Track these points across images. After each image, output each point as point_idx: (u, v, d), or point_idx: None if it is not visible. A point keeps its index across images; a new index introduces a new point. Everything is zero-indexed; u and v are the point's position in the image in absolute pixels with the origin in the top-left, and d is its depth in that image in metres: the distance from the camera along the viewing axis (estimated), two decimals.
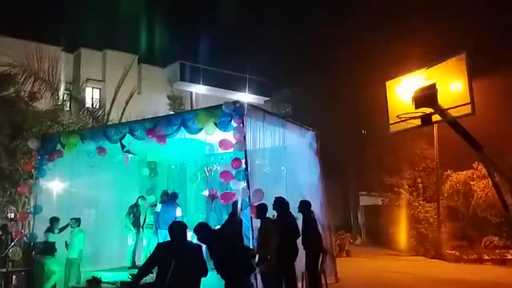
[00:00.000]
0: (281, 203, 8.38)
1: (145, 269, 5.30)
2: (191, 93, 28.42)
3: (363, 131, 26.11)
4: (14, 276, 10.16)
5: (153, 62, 27.84)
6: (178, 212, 11.47)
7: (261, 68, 28.62)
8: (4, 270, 8.79)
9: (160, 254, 5.16)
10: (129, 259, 11.45)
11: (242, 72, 28.80)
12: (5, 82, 17.09)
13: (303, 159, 11.67)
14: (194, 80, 27.72)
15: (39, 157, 11.81)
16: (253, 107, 10.65)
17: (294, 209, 8.58)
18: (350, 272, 12.47)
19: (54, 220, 10.74)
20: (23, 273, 9.74)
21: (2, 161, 16.58)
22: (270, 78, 29.81)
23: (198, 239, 5.64)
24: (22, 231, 11.80)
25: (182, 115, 10.93)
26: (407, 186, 21.87)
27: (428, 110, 6.46)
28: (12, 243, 10.39)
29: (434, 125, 15.35)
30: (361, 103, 21.93)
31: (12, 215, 14.71)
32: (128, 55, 24.90)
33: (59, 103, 19.30)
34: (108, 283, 6.19)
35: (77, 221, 11.02)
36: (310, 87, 26.20)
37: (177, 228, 5.25)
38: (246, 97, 26.11)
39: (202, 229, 5.71)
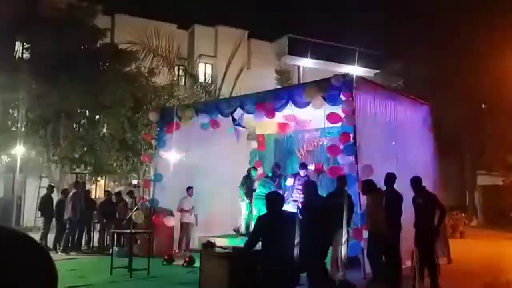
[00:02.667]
0: (388, 179, 8.13)
1: (252, 241, 5.57)
2: (298, 67, 28.38)
3: (483, 105, 24.19)
4: (137, 237, 11.14)
5: (262, 37, 28.14)
6: (289, 182, 11.72)
7: (371, 40, 27.57)
8: (129, 231, 9.69)
9: (261, 225, 5.42)
10: (243, 227, 11.94)
11: (351, 44, 28.03)
12: (128, 59, 18.47)
13: (416, 134, 11.16)
14: (302, 54, 27.58)
15: (159, 129, 12.68)
16: (363, 79, 10.38)
17: (406, 186, 8.27)
18: (464, 254, 11.81)
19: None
20: (145, 234, 10.64)
21: (126, 132, 18.12)
22: (381, 50, 28.63)
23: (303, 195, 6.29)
24: (144, 196, 12.84)
25: (290, 89, 11.00)
26: None
27: None
28: (135, 207, 11.37)
29: None
30: (481, 75, 20.25)
31: (135, 182, 16.04)
32: (239, 31, 25.43)
33: (175, 78, 20.48)
34: (221, 247, 6.58)
35: (191, 188, 11.82)
36: (424, 58, 24.75)
37: (272, 198, 5.48)
38: (355, 70, 25.42)
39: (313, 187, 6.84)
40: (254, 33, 27.35)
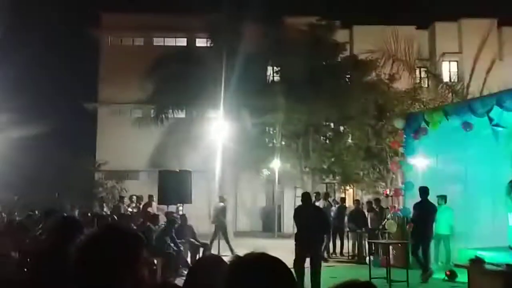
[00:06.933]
0: None
1: None
2: None
3: None
4: (390, 247, 10.97)
5: None
6: None
7: None
8: (384, 241, 9.67)
9: None
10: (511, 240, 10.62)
11: None
12: (368, 68, 18.66)
13: None
14: None
15: (405, 136, 12.35)
16: None
17: None
18: None
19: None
20: (399, 245, 10.44)
21: (370, 140, 18.28)
22: None
23: None
24: (396, 205, 12.65)
25: None
26: None
27: None
28: (387, 216, 11.28)
29: None
30: None
31: (387, 191, 15.94)
32: (486, 21, 23.04)
33: (417, 81, 19.76)
34: (491, 264, 5.91)
35: (444, 198, 11.05)
36: None
37: None
38: None
39: None
40: (506, 20, 24.28)
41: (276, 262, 1.42)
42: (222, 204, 14.19)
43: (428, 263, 9.65)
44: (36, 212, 11.34)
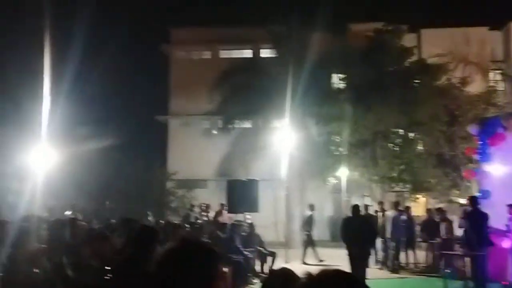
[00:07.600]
0: None
1: None
2: None
3: None
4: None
5: None
6: None
7: None
8: (458, 252, 9.26)
9: None
10: None
11: None
12: (438, 72, 18.00)
13: None
14: None
15: (480, 142, 11.81)
16: None
17: None
18: None
19: None
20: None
21: (442, 147, 17.60)
22: None
23: None
24: None
25: None
26: None
27: None
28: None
29: None
30: None
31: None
32: None
33: (491, 85, 18.84)
34: None
35: None
36: None
37: None
38: None
39: None
40: None
41: (352, 281, 1.36)
42: (310, 212, 14.60)
43: (484, 274, 9.08)
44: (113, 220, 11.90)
